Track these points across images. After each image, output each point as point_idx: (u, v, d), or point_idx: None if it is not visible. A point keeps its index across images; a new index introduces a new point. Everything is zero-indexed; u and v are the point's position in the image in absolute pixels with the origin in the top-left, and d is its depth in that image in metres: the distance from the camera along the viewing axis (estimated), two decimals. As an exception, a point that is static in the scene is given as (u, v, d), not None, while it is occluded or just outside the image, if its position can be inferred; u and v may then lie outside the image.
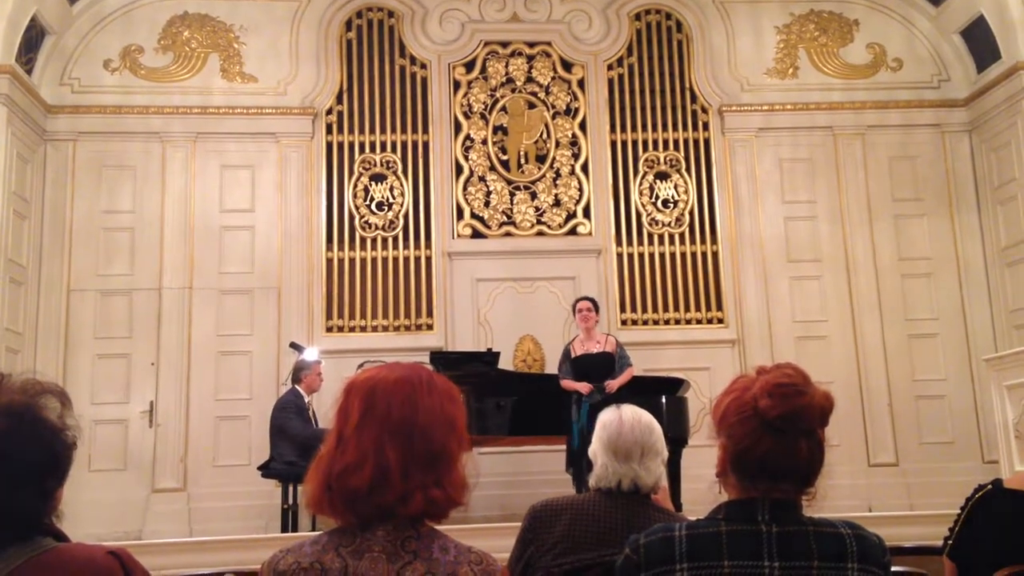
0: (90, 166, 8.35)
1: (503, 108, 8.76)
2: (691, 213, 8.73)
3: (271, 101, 8.60)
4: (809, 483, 1.68)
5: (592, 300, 6.83)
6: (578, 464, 6.10)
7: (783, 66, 9.08)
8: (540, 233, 8.59)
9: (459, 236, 8.53)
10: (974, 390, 8.43)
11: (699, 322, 8.55)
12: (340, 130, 8.64)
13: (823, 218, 8.78)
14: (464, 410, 1.61)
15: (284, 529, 6.73)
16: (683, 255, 8.65)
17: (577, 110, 8.81)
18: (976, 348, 8.43)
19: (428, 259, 8.46)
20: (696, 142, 8.86)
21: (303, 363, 7.12)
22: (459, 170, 8.63)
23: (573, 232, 8.62)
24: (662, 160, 8.80)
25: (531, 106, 8.79)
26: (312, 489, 1.54)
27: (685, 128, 8.87)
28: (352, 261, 8.44)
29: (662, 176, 8.78)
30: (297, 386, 6.99)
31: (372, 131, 8.65)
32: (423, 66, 8.80)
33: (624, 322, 8.42)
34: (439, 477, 1.52)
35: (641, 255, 8.62)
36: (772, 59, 9.09)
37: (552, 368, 8.16)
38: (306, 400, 6.93)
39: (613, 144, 8.77)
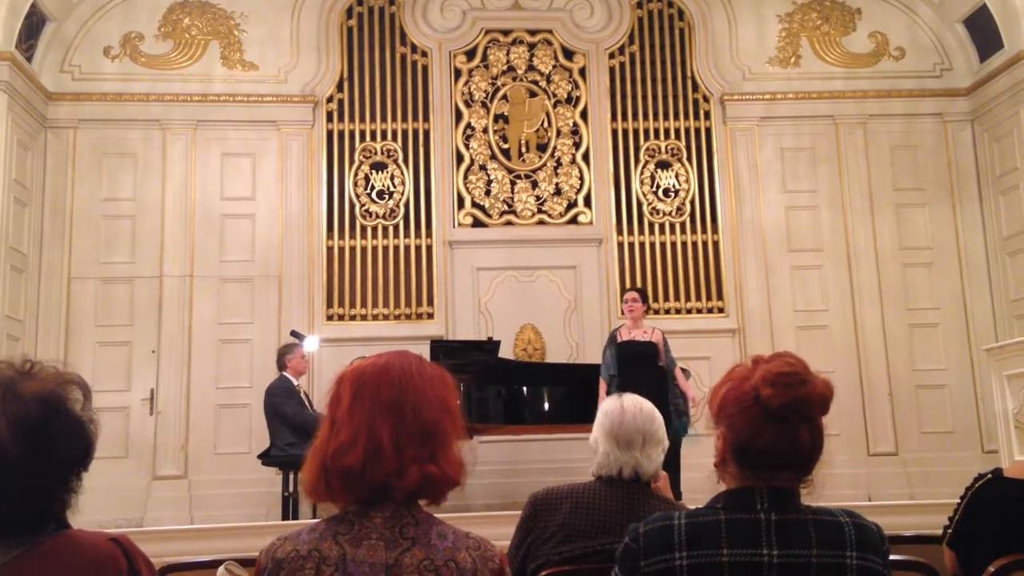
0: (91, 154, 8.34)
1: (504, 96, 8.74)
2: (692, 202, 8.72)
3: (272, 89, 8.59)
4: (808, 471, 1.68)
5: (639, 290, 6.97)
6: None
7: (785, 55, 9.05)
8: (541, 222, 8.58)
9: (460, 225, 8.52)
10: (974, 380, 8.43)
11: (700, 311, 8.55)
12: (341, 118, 8.62)
13: (824, 207, 8.77)
14: (456, 394, 1.63)
15: (285, 517, 6.74)
16: (684, 244, 8.65)
17: (578, 99, 8.79)
18: (977, 338, 8.43)
19: (429, 248, 8.46)
20: (698, 131, 8.84)
21: (285, 348, 7.07)
22: (460, 159, 8.61)
23: (574, 221, 8.62)
24: (663, 149, 8.78)
25: (532, 94, 8.77)
26: (309, 475, 1.56)
27: (687, 117, 8.85)
28: (353, 250, 8.44)
29: (663, 165, 8.77)
30: (284, 372, 6.97)
31: (373, 119, 8.64)
32: (424, 54, 8.78)
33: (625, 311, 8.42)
34: (433, 452, 1.53)
35: (642, 244, 8.62)
36: (774, 48, 9.06)
37: (552, 357, 8.20)
38: (295, 383, 6.92)
39: (614, 133, 8.75)
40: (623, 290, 8.38)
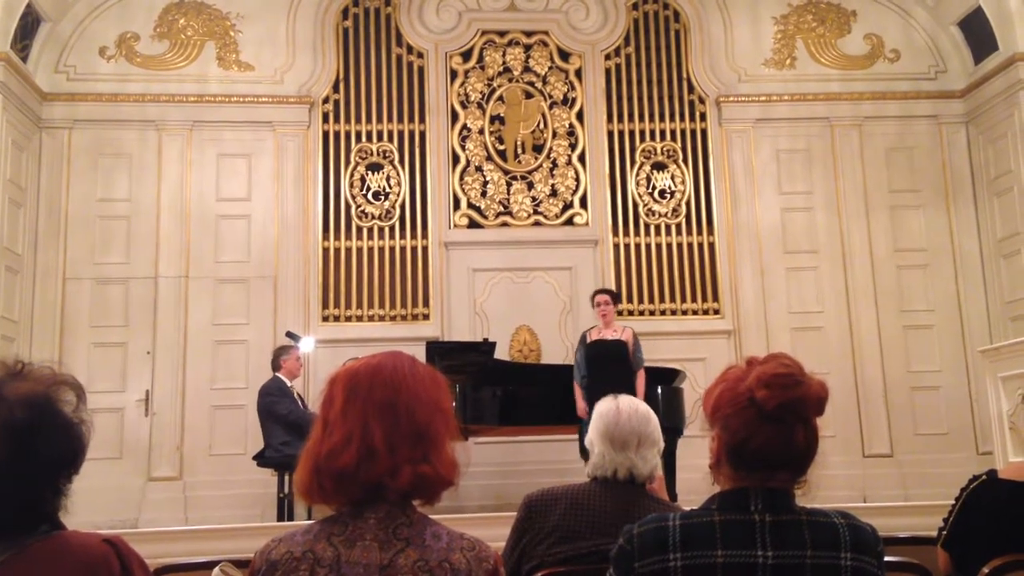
0: (86, 154, 8.32)
1: (500, 97, 8.74)
2: (688, 204, 8.72)
3: (268, 90, 8.58)
4: (803, 472, 1.68)
5: (610, 292, 6.96)
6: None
7: (781, 57, 9.06)
8: (537, 223, 8.58)
9: (456, 226, 8.51)
10: (969, 381, 8.45)
11: (695, 313, 8.56)
12: (337, 119, 8.62)
13: (820, 209, 8.78)
14: (449, 394, 1.63)
15: (280, 518, 6.74)
16: (680, 246, 8.65)
17: (574, 100, 8.79)
18: (971, 339, 8.44)
19: (424, 249, 8.45)
20: (693, 132, 8.84)
21: (280, 350, 7.07)
22: (456, 160, 8.61)
23: (570, 222, 8.62)
24: (659, 150, 8.79)
25: (528, 96, 8.77)
26: (302, 476, 1.55)
27: (682, 118, 8.85)
28: (348, 251, 8.43)
29: (659, 166, 8.77)
30: (278, 373, 6.95)
31: (369, 120, 8.63)
32: (420, 55, 8.77)
33: (620, 312, 8.41)
34: (427, 453, 1.53)
35: (638, 246, 8.62)
36: (770, 50, 9.07)
37: (548, 358, 8.20)
38: (288, 384, 6.91)
39: (610, 134, 8.76)
40: (620, 290, 8.41)
